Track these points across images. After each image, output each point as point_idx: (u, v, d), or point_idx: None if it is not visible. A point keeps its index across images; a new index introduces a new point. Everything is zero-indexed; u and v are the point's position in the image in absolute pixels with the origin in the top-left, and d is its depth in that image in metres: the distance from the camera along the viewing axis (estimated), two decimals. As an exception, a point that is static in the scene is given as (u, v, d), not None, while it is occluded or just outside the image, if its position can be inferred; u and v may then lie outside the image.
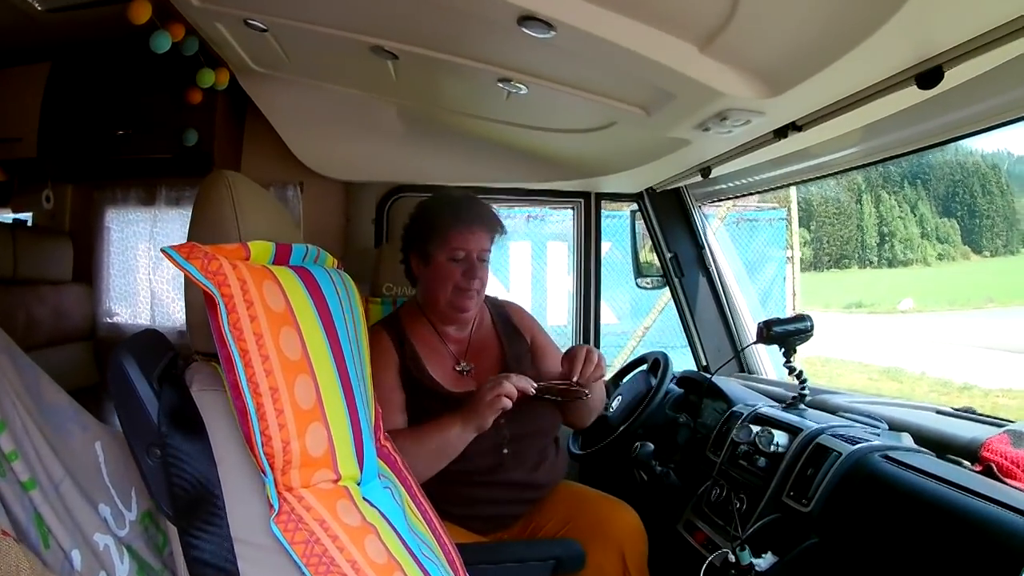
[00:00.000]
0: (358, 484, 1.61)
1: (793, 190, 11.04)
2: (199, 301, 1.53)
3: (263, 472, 1.42)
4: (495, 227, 3.04)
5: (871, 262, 26.92)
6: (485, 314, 3.26)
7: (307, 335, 1.54)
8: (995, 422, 2.55)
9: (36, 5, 3.21)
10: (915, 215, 27.52)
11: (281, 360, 1.44)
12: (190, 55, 3.36)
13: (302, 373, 1.49)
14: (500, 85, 2.65)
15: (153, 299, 4.58)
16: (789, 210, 11.12)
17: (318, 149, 3.80)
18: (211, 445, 1.48)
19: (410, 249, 3.12)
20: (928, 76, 1.95)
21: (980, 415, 2.69)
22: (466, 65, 2.58)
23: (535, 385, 2.74)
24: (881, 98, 2.12)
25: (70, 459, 1.65)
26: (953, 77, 1.96)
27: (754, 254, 10.64)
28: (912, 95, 2.08)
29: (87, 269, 4.48)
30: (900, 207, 27.51)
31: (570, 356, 2.85)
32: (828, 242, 26.15)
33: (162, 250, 1.38)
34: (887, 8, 1.62)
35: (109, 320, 4.60)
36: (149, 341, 1.61)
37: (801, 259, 12.39)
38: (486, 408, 2.67)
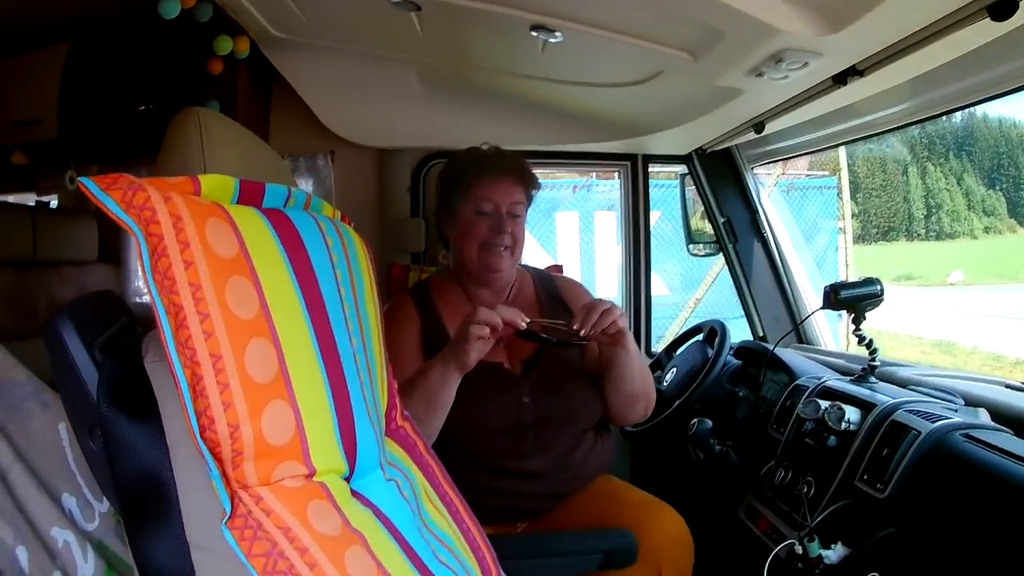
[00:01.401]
0: (345, 479, 1.32)
1: (843, 157, 10.88)
2: None
3: (207, 465, 1.11)
4: (525, 178, 2.85)
5: (918, 235, 26.83)
6: (527, 283, 3.01)
7: (269, 289, 1.21)
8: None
9: (49, -18, 3.10)
10: (961, 187, 27.42)
11: (227, 318, 1.11)
12: (205, 22, 3.20)
13: (258, 336, 1.16)
14: (534, 34, 2.45)
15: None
16: (839, 177, 10.94)
17: (348, 116, 3.64)
18: (163, 428, 1.21)
19: (440, 208, 2.95)
20: (1002, 6, 1.76)
21: (1050, 388, 2.45)
22: (495, 12, 2.38)
23: (526, 320, 2.47)
24: (949, 35, 1.94)
25: (25, 442, 1.44)
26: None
27: (805, 224, 10.45)
28: (983, 31, 1.91)
29: (115, 249, 4.34)
30: (946, 179, 27.41)
31: (585, 305, 2.57)
32: (875, 214, 26.03)
33: (79, 182, 1.08)
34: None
35: (139, 300, 4.42)
36: (97, 303, 1.39)
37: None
38: (465, 341, 2.41)
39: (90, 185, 1.06)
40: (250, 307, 1.16)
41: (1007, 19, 1.77)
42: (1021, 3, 1.74)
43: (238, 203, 1.27)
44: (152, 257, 1.07)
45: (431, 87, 3.50)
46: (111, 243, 4.27)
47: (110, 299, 1.47)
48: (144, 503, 1.18)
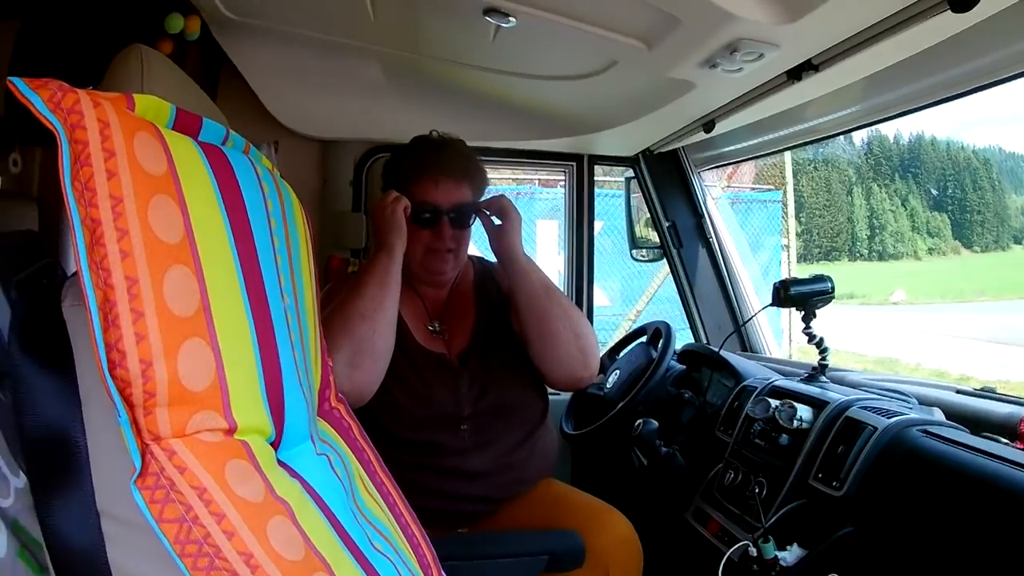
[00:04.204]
0: (271, 444, 1.21)
1: (789, 171, 10.96)
2: None
3: (116, 410, 0.99)
4: (471, 175, 2.79)
5: (861, 255, 27.26)
6: (468, 273, 2.98)
7: (196, 217, 1.11)
8: (1021, 401, 2.36)
9: (3, -41, 3.02)
10: (906, 208, 27.87)
11: (147, 239, 1.01)
12: (158, -1, 3.12)
13: (179, 263, 1.06)
14: (487, 19, 2.39)
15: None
16: (785, 191, 11.02)
17: (294, 105, 3.58)
18: (76, 380, 1.10)
19: None
20: (963, -3, 1.75)
21: (1003, 395, 2.48)
22: (448, -8, 2.31)
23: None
24: (908, 28, 1.93)
25: None
26: (990, 5, 1.79)
27: (749, 238, 10.48)
28: (942, 26, 1.91)
29: (55, 236, 4.20)
30: (891, 200, 27.83)
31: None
32: (819, 234, 26.36)
33: (8, 81, 0.99)
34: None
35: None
36: (19, 241, 1.30)
37: (794, 250, 12.37)
38: (393, 213, 2.59)
39: (18, 83, 0.98)
40: (174, 231, 1.07)
41: (967, 10, 1.76)
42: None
43: (173, 129, 1.18)
44: (73, 165, 0.99)
45: (379, 78, 3.46)
46: (51, 230, 4.17)
47: (33, 239, 1.40)
48: (51, 465, 1.09)
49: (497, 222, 2.75)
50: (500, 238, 2.73)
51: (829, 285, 2.71)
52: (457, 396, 2.63)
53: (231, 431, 1.10)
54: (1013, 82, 2.31)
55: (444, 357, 2.73)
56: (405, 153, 2.84)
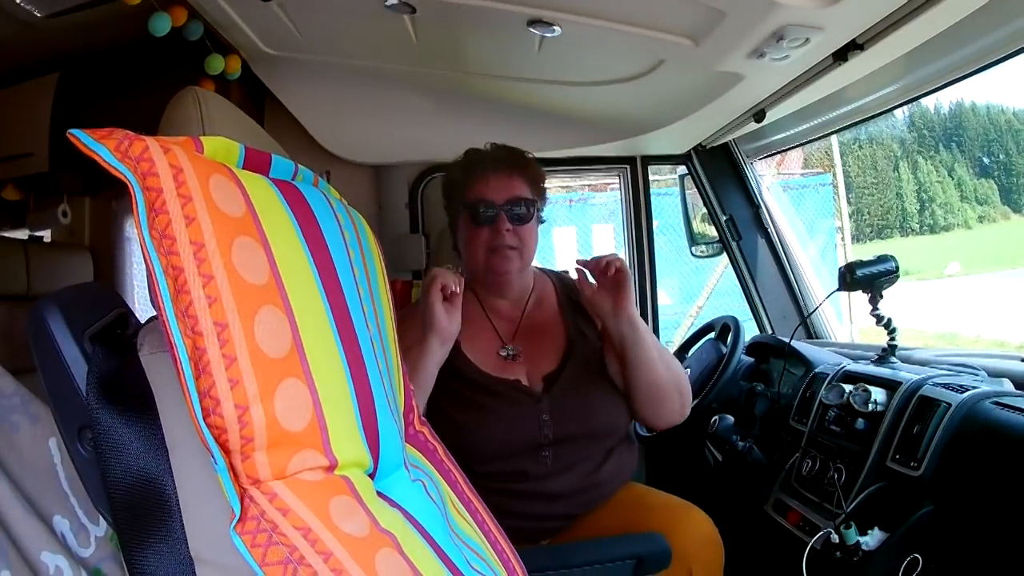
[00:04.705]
0: (368, 475, 1.19)
1: (836, 153, 10.88)
2: None
3: (212, 456, 0.98)
4: (525, 170, 2.69)
5: (913, 230, 26.95)
6: (548, 289, 2.84)
7: (280, 255, 1.09)
8: (1086, 361, 2.29)
9: (35, 12, 3.04)
10: (953, 178, 27.57)
11: (233, 282, 1.00)
12: (195, 40, 3.14)
13: (268, 303, 1.04)
14: (531, 30, 2.40)
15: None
16: (834, 174, 10.95)
17: (342, 134, 3.58)
18: (161, 427, 1.10)
19: (450, 222, 2.82)
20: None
21: (1068, 363, 2.44)
22: (491, 8, 2.33)
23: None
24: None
25: (12, 458, 1.32)
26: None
27: (804, 223, 10.30)
28: None
29: (110, 283, 4.24)
30: (937, 171, 27.55)
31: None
32: (869, 213, 26.13)
33: (69, 133, 0.96)
34: None
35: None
36: (89, 292, 1.30)
37: (847, 229, 12.25)
38: (426, 304, 2.41)
39: (81, 136, 0.97)
40: (260, 271, 1.05)
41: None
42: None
43: (244, 168, 1.17)
44: (149, 213, 0.97)
45: (425, 99, 3.46)
46: (107, 276, 4.22)
47: (103, 289, 1.40)
48: (140, 514, 1.07)
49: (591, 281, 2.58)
50: (618, 305, 2.52)
51: (894, 265, 2.67)
52: (538, 423, 2.52)
53: (332, 468, 1.08)
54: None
55: (519, 384, 2.61)
56: (459, 163, 2.78)
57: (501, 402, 2.55)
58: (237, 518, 0.98)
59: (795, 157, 10.64)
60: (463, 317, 2.55)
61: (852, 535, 2.18)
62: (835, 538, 2.23)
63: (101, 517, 1.33)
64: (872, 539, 2.18)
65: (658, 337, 3.88)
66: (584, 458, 2.57)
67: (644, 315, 3.97)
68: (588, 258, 2.53)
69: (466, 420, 2.48)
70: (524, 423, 2.52)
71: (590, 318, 2.75)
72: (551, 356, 2.67)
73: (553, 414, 2.53)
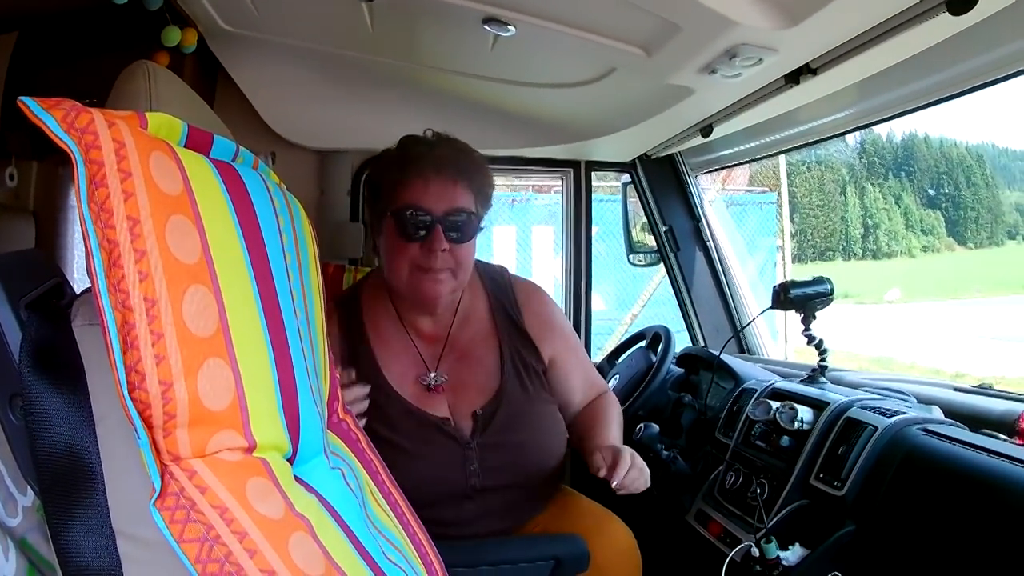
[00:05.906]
0: (287, 459, 1.20)
1: (783, 172, 10.98)
2: None
3: (135, 431, 0.98)
4: (473, 176, 2.39)
5: (856, 254, 27.28)
6: (479, 297, 2.59)
7: (212, 236, 1.10)
8: (1019, 397, 2.38)
9: (-1, -29, 3.01)
10: (899, 207, 27.93)
11: (165, 259, 1.00)
12: (154, 10, 3.11)
13: (197, 283, 1.04)
14: (486, 28, 2.38)
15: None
16: (780, 193, 11.04)
17: (291, 116, 3.55)
18: (90, 398, 1.09)
19: (370, 215, 2.55)
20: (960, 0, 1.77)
21: (1000, 391, 2.51)
22: (448, 2, 2.30)
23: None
24: (905, 31, 1.94)
25: None
26: (987, 5, 1.80)
27: (744, 240, 10.39)
28: (939, 28, 1.92)
29: (51, 249, 4.17)
30: (884, 199, 27.87)
31: (611, 453, 2.21)
32: (812, 234, 26.36)
33: (19, 100, 0.98)
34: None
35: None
36: (27, 260, 1.29)
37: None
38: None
39: (30, 104, 0.97)
40: (192, 250, 1.05)
41: (965, 12, 1.77)
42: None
43: (185, 147, 1.17)
44: (89, 186, 0.98)
45: (376, 88, 3.45)
46: (48, 243, 4.17)
47: (41, 257, 1.38)
48: (66, 485, 1.07)
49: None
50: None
51: (828, 287, 2.71)
52: (465, 473, 2.31)
53: (250, 449, 1.08)
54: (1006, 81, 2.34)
55: (446, 425, 2.37)
56: (392, 151, 2.48)
57: (423, 442, 2.33)
58: (157, 493, 0.99)
59: (741, 173, 10.76)
60: (380, 335, 2.45)
61: (772, 549, 2.20)
62: (755, 551, 2.24)
63: (29, 487, 1.28)
64: (793, 555, 2.21)
65: (589, 343, 3.93)
66: (515, 506, 2.43)
67: (577, 321, 4.00)
68: (609, 466, 2.17)
69: (387, 462, 1.95)
70: (449, 472, 2.32)
71: (524, 330, 2.57)
72: (482, 385, 2.45)
73: (483, 463, 2.33)
